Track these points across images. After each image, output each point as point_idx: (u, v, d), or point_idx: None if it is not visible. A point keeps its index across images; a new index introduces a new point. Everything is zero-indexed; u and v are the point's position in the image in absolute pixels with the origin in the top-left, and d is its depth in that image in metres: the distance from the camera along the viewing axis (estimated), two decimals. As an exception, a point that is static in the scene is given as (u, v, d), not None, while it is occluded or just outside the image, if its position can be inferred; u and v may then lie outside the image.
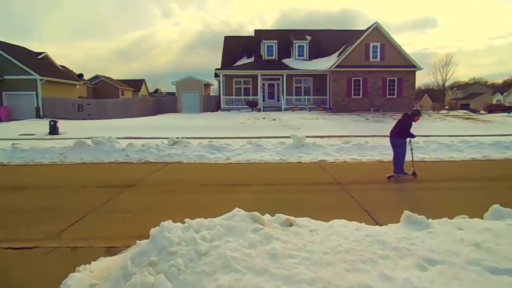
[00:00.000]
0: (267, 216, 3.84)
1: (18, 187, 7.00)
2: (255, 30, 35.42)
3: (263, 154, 10.67)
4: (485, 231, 3.61)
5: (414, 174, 7.62)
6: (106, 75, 51.13)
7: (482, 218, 4.21)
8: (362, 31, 29.34)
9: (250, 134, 15.67)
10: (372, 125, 20.80)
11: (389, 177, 7.64)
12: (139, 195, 6.41)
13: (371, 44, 28.01)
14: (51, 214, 5.21)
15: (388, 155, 10.55)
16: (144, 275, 2.72)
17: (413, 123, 7.71)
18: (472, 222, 3.96)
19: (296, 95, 29.96)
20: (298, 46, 31.17)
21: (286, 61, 30.61)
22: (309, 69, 29.26)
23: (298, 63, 30.08)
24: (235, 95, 30.03)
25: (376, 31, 28.00)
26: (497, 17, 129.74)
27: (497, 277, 2.74)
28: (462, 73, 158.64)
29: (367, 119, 23.19)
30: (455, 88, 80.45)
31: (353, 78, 28.18)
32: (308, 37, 31.54)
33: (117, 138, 11.71)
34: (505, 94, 73.49)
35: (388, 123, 21.66)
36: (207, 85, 37.99)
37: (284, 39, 31.57)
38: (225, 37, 35.51)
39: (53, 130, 17.40)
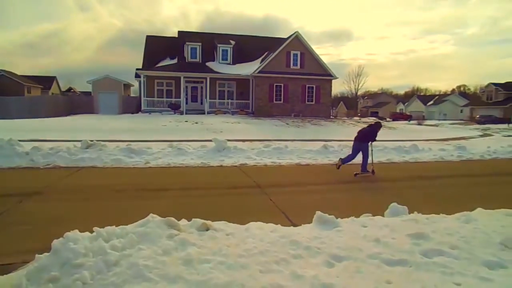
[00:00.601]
0: (183, 221, 3.78)
1: None
2: (179, 31, 34.78)
3: (184, 157, 10.47)
4: (385, 227, 3.99)
5: (373, 172, 8.82)
6: (7, 70, 45.73)
7: (383, 215, 4.64)
8: (284, 39, 30.58)
9: (172, 137, 15.28)
10: (292, 130, 21.72)
11: (355, 175, 8.70)
12: (45, 204, 5.81)
13: (292, 52, 29.32)
14: None
15: (305, 158, 11.13)
16: (42, 293, 2.49)
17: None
18: (375, 219, 4.35)
19: (219, 99, 30.04)
20: (222, 50, 31.34)
21: (210, 64, 30.54)
22: (232, 73, 29.56)
23: (222, 67, 30.20)
24: (157, 97, 29.10)
25: (297, 40, 29.39)
26: (399, 36, 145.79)
27: (392, 268, 3.05)
28: (372, 84, 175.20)
29: (287, 124, 24.15)
30: (366, 97, 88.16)
31: (275, 84, 29.16)
32: (232, 42, 31.90)
33: (20, 140, 10.52)
34: (406, 104, 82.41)
35: (307, 128, 22.87)
36: (127, 86, 36.19)
37: (209, 42, 31.49)
38: (147, 36, 34.23)
39: None
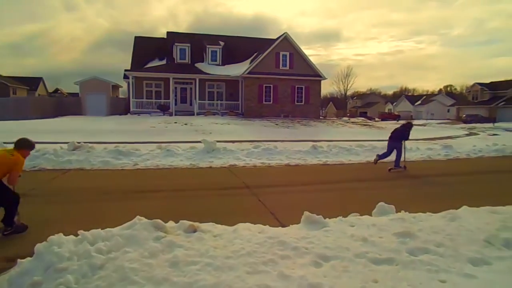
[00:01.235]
0: (171, 223, 3.75)
1: None
2: (168, 32, 34.55)
3: (173, 159, 10.41)
4: (372, 226, 4.01)
5: (404, 167, 9.60)
6: (-9, 71, 44.86)
7: (371, 215, 4.67)
8: (273, 40, 30.63)
9: (161, 138, 15.16)
10: (282, 130, 21.76)
11: (389, 170, 9.47)
12: (30, 207, 5.68)
13: (281, 53, 29.38)
14: None
15: (295, 159, 11.16)
16: (25, 298, 2.44)
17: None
18: (362, 219, 4.37)
19: (209, 100, 29.95)
20: (212, 51, 31.25)
21: (199, 65, 30.42)
22: (222, 74, 29.49)
23: (211, 68, 30.11)
24: (146, 98, 28.87)
25: (286, 40, 29.46)
26: (387, 37, 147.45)
27: (378, 266, 3.07)
28: (361, 84, 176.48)
29: (277, 124, 24.19)
30: (355, 97, 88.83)
31: (264, 85, 29.18)
32: (222, 43, 31.82)
33: (4, 143, 10.33)
34: (394, 104, 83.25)
35: (297, 129, 22.93)
36: (116, 87, 35.83)
37: (198, 43, 31.37)
38: (136, 37, 33.96)
39: None
